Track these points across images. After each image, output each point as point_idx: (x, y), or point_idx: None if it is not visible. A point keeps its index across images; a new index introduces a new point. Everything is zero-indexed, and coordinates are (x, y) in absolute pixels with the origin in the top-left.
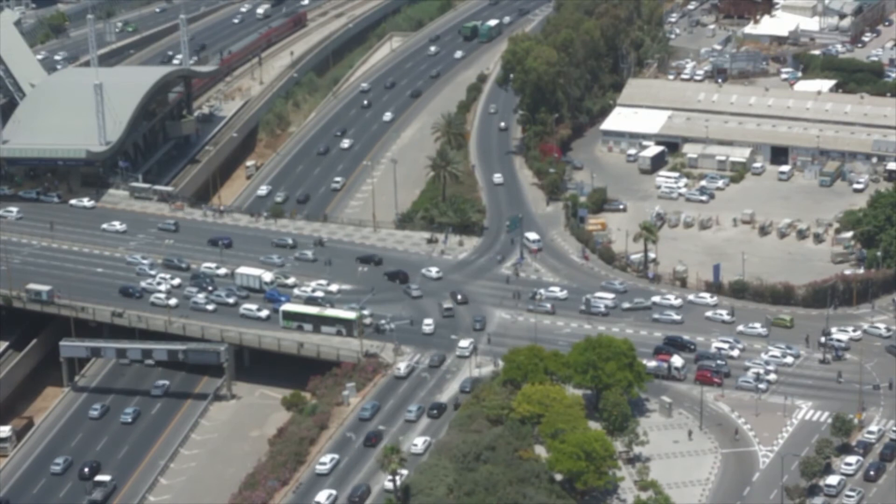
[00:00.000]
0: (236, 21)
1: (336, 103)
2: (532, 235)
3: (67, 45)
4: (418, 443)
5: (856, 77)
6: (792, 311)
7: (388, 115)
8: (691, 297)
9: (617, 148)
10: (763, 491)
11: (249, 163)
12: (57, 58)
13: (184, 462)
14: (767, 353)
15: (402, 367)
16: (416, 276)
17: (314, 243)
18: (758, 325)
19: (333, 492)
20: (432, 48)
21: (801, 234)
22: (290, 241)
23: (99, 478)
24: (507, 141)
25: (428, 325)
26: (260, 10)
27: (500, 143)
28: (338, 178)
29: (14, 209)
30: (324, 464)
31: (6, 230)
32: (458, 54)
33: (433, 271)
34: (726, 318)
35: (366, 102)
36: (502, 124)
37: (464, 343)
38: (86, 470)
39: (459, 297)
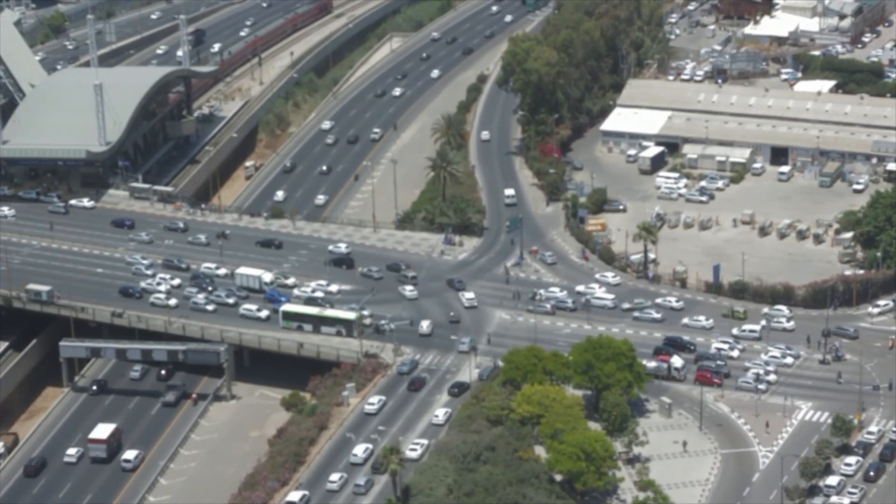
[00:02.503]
0: (265, 5)
1: (340, 98)
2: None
3: (68, 51)
4: (439, 414)
5: (856, 78)
6: (792, 312)
7: (435, 73)
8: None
9: (617, 148)
10: (763, 491)
11: (249, 163)
12: (68, 45)
13: (184, 462)
14: (767, 353)
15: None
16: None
17: (217, 236)
18: (702, 317)
19: (370, 446)
20: (494, 7)
21: (801, 235)
22: (180, 225)
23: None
24: (507, 141)
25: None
26: None
27: (500, 143)
28: (376, 130)
29: (5, 208)
30: (372, 404)
31: (6, 230)
32: (508, 18)
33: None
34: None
35: (425, 55)
36: (485, 134)
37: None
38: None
39: (452, 314)
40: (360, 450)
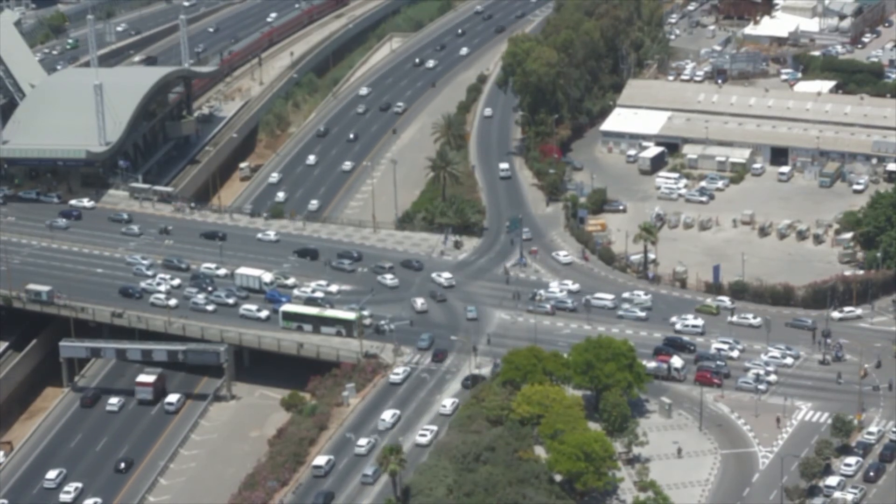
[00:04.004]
0: None
1: (336, 103)
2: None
3: (65, 52)
4: (447, 404)
5: (856, 78)
6: (792, 312)
7: (464, 50)
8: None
9: (617, 149)
10: (763, 492)
11: (243, 164)
12: (53, 52)
13: (183, 462)
14: (767, 353)
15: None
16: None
17: (159, 231)
18: (689, 316)
19: (397, 412)
20: None
21: (801, 235)
22: (124, 216)
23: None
24: (507, 142)
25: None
26: None
27: (500, 143)
28: (399, 103)
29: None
30: (397, 374)
31: (6, 230)
32: None
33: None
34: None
35: (460, 31)
36: (487, 111)
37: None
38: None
39: (437, 295)
40: (388, 415)
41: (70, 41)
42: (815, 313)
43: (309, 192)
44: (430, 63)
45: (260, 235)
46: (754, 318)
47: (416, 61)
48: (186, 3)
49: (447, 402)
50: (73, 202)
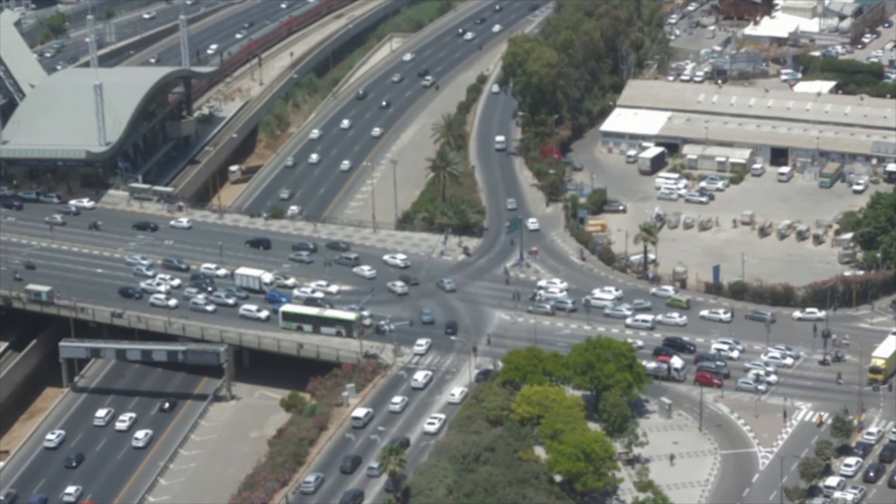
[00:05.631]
0: None
1: (335, 103)
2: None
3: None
4: (455, 393)
5: (856, 78)
6: (792, 313)
7: (496, 28)
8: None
9: (617, 149)
10: (762, 492)
11: (234, 167)
12: (47, 54)
13: (183, 463)
14: (767, 354)
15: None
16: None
17: (89, 226)
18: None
19: (429, 373)
20: None
21: (801, 236)
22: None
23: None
24: (506, 142)
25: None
26: None
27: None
28: (428, 77)
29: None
30: (420, 346)
31: (6, 230)
32: None
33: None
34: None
35: (461, 31)
36: (495, 87)
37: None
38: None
39: (410, 279)
40: (420, 375)
41: (55, 46)
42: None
43: (309, 192)
44: (469, 35)
45: (173, 223)
46: (724, 312)
47: (459, 31)
48: (189, 1)
49: (456, 392)
50: (72, 202)
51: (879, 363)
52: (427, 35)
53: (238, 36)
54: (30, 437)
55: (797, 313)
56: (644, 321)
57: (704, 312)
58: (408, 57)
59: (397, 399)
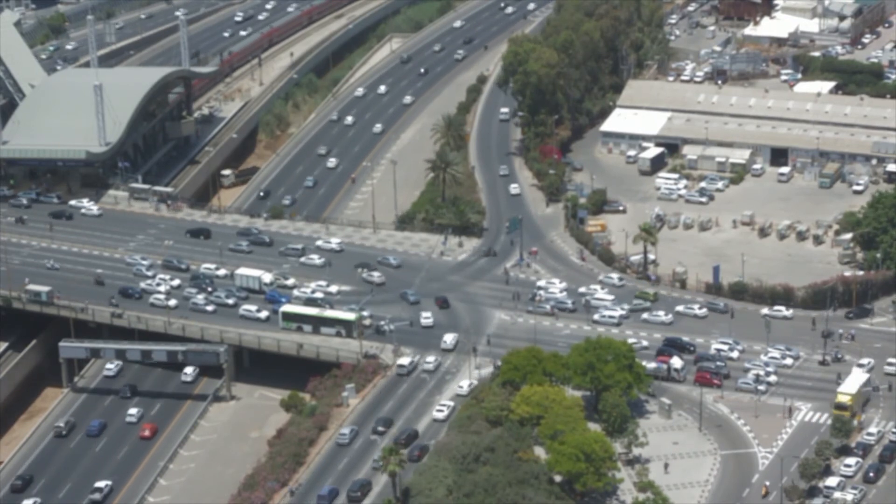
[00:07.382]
0: None
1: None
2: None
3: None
4: (463, 385)
5: (855, 79)
6: (792, 313)
7: (509, 9)
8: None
9: (617, 149)
10: (762, 492)
11: (226, 172)
12: (43, 55)
13: (183, 463)
14: (767, 354)
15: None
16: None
17: (15, 220)
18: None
19: (457, 335)
20: None
21: (801, 236)
22: None
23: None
24: (506, 142)
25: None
26: None
27: (499, 144)
28: (460, 50)
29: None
30: (428, 317)
31: (6, 230)
32: None
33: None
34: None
35: (503, 4)
36: (503, 168)
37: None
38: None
39: (376, 274)
40: (449, 338)
41: (50, 47)
42: (814, 314)
43: (309, 192)
44: (510, 10)
45: (83, 210)
46: (699, 307)
47: (501, 4)
48: (144, 17)
49: (464, 384)
50: (72, 202)
51: (845, 399)
52: (427, 35)
53: (243, 33)
54: (29, 437)
55: (765, 310)
56: (611, 317)
57: (680, 308)
58: (458, 24)
59: (430, 358)
